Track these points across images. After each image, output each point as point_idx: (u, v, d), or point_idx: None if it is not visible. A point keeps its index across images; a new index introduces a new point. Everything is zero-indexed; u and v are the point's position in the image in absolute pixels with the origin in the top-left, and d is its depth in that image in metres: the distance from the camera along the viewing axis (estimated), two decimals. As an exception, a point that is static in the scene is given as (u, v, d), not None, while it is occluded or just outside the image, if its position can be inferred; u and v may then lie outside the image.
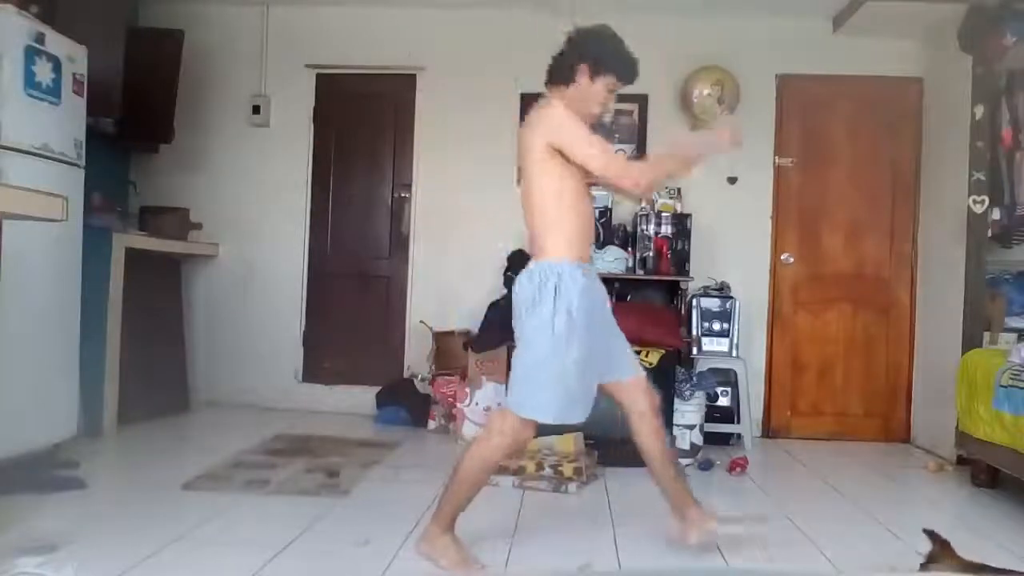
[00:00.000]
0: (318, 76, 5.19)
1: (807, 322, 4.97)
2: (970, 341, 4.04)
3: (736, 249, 4.91)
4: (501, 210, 4.93)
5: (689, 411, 3.99)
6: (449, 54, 5.08)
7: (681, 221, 4.60)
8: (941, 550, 2.28)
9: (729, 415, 4.54)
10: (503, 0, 4.89)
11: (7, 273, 2.63)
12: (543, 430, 2.52)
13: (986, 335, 4.09)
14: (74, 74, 3.42)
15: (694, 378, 4.09)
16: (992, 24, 3.94)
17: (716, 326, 4.60)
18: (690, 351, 4.56)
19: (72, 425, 3.53)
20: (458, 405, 4.43)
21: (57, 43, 3.31)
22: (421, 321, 4.98)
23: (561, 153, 2.36)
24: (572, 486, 3.40)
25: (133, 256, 4.30)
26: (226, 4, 5.16)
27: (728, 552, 2.59)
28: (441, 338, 4.84)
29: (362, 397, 4.94)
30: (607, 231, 4.68)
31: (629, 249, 4.66)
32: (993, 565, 2.30)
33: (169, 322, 4.93)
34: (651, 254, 4.57)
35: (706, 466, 3.91)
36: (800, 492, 3.67)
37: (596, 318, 2.43)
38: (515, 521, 2.88)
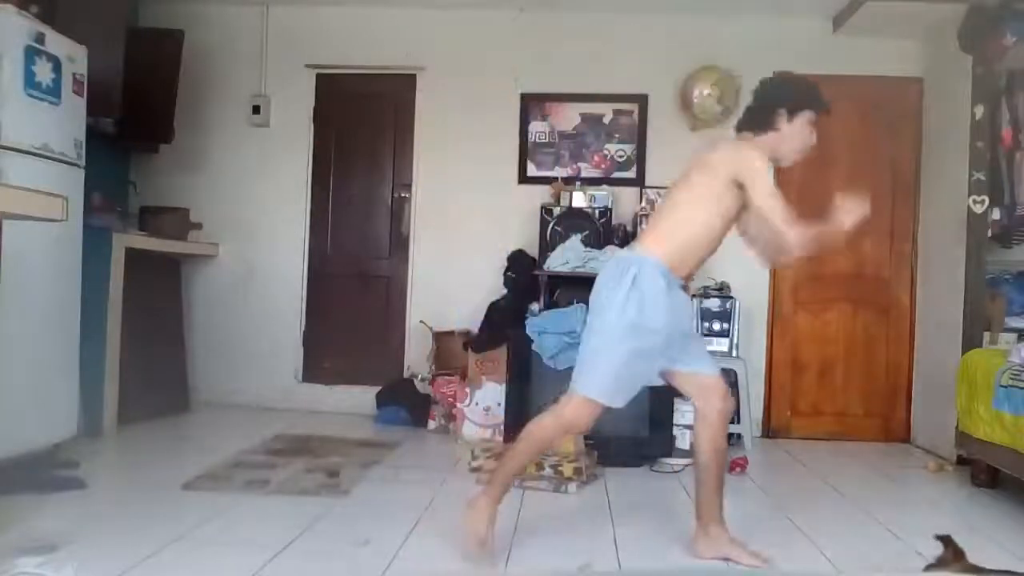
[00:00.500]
0: (318, 76, 5.19)
1: (807, 322, 4.97)
2: (970, 341, 4.04)
3: (736, 249, 4.88)
4: (501, 210, 4.98)
5: (689, 411, 3.98)
6: (449, 54, 5.07)
7: (681, 221, 4.59)
8: (953, 557, 2.23)
9: (729, 415, 4.54)
10: (503, 0, 4.90)
11: (7, 273, 2.63)
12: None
13: (986, 335, 4.09)
14: (74, 74, 3.42)
15: (694, 378, 4.07)
16: (992, 24, 3.94)
17: (716, 326, 4.60)
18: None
19: (72, 425, 3.53)
20: (458, 405, 4.43)
21: (57, 43, 3.31)
22: (421, 321, 4.98)
23: (737, 192, 2.43)
24: (572, 486, 3.40)
25: (133, 256, 4.30)
26: (226, 4, 5.16)
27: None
28: (441, 338, 4.84)
29: (362, 397, 4.94)
30: (607, 231, 4.68)
31: (629, 249, 4.65)
32: (999, 569, 2.25)
33: (169, 322, 4.93)
34: (652, 254, 4.56)
35: (706, 466, 3.90)
36: (800, 492, 3.66)
37: (672, 319, 2.45)
38: (515, 521, 2.88)
